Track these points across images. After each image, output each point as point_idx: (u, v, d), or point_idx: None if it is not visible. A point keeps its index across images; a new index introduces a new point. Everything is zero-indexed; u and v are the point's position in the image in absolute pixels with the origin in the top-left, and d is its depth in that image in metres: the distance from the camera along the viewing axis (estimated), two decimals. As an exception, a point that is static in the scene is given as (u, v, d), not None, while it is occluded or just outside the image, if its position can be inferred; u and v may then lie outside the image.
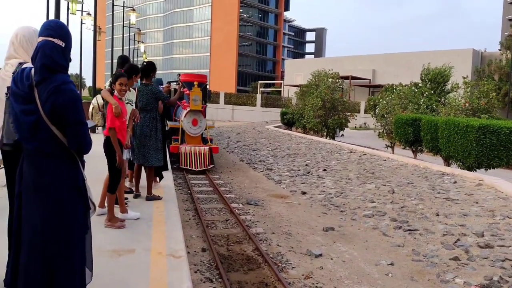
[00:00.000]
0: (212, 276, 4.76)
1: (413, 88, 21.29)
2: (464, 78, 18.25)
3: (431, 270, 5.06)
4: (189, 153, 11.17)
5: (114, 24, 19.06)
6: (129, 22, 20.40)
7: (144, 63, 6.23)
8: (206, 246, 5.78)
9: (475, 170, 11.42)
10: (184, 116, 11.59)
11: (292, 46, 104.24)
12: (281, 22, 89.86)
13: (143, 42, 29.34)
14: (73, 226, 2.03)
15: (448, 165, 12.82)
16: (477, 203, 7.47)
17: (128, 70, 5.03)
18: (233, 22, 78.55)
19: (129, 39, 30.51)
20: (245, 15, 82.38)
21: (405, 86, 21.89)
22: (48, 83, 1.97)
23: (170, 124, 12.41)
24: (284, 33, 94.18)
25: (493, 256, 5.09)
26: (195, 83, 11.36)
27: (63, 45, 2.06)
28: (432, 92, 22.47)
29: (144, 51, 32.19)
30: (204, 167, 11.19)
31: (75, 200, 2.06)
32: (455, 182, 9.31)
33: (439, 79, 24.94)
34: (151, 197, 5.59)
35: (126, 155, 4.77)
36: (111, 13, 20.33)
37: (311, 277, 4.84)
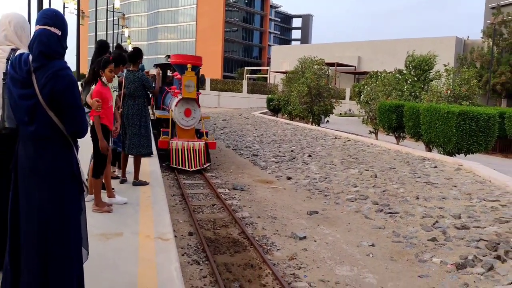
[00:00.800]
0: (199, 259, 4.89)
1: (397, 75, 21.55)
2: (445, 65, 18.54)
3: (410, 250, 5.28)
4: (181, 150, 9.51)
5: (98, 8, 18.67)
6: (113, 6, 19.99)
7: (131, 49, 6.17)
8: (193, 230, 5.89)
9: (455, 155, 11.75)
10: (175, 105, 9.80)
11: (279, 32, 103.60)
12: (267, 8, 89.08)
13: (127, 27, 28.80)
14: (69, 209, 2.11)
15: (430, 150, 13.13)
16: (455, 186, 7.74)
17: (116, 58, 5.00)
18: (219, 7, 77.56)
19: (113, 24, 29.89)
20: (231, 0, 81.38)
21: (389, 73, 22.15)
22: (46, 69, 2.03)
23: (157, 114, 11.10)
24: (270, 19, 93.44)
25: (468, 237, 5.33)
26: (188, 65, 9.57)
27: (59, 33, 2.12)
28: (416, 79, 22.78)
29: (129, 36, 31.62)
30: (199, 166, 9.56)
31: (70, 184, 2.13)
32: (435, 167, 9.58)
33: (423, 67, 25.22)
34: (137, 182, 5.63)
35: (110, 142, 4.79)
36: (94, -4, 19.87)
37: (295, 258, 5.01)
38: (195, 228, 5.91)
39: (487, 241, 5.08)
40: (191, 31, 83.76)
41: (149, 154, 6.41)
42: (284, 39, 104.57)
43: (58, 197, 2.07)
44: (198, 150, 9.71)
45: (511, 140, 16.88)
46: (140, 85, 5.79)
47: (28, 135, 2.08)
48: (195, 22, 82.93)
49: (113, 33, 31.01)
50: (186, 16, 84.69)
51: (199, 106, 10.15)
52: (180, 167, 9.39)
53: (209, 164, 10.01)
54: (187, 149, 9.60)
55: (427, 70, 24.91)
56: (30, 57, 2.07)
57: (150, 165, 7.13)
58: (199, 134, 10.45)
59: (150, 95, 9.40)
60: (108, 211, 4.35)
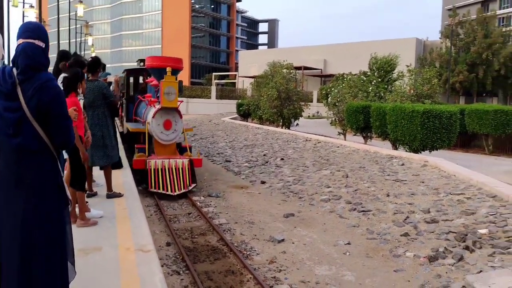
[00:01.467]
0: (179, 269, 4.87)
1: (362, 77, 22.19)
2: (408, 66, 19.27)
3: (384, 246, 5.47)
4: (161, 170, 8.05)
5: (60, 16, 18.16)
6: (75, 14, 19.52)
7: (90, 58, 6.08)
8: (171, 240, 5.85)
9: (420, 152, 12.22)
10: (153, 117, 8.25)
11: (246, 37, 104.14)
12: (233, 13, 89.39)
13: (90, 35, 28.13)
14: (56, 221, 2.09)
15: (396, 148, 13.60)
16: (423, 182, 8.07)
17: (90, 65, 4.95)
18: (184, 13, 77.07)
19: (76, 32, 29.02)
20: (197, 6, 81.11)
21: (354, 75, 22.75)
22: (33, 81, 2.05)
23: (130, 127, 9.59)
24: (237, 24, 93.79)
25: (438, 230, 5.58)
26: (168, 69, 8.12)
27: (43, 46, 2.15)
28: (380, 80, 23.52)
29: (92, 44, 30.88)
30: (184, 188, 8.10)
31: (57, 195, 2.13)
32: (402, 164, 9.95)
33: (386, 68, 26.08)
34: (111, 194, 5.53)
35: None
36: (56, 3, 19.31)
37: (275, 262, 5.07)
38: (173, 238, 5.87)
39: (455, 233, 5.35)
40: (157, 38, 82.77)
41: (118, 166, 6.30)
42: (251, 44, 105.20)
43: (44, 209, 2.05)
44: (182, 169, 8.24)
45: (471, 135, 17.73)
46: (99, 94, 5.67)
47: (12, 147, 2.06)
48: (160, 28, 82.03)
49: (76, 41, 30.20)
50: (151, 23, 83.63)
51: (181, 117, 8.66)
52: (161, 191, 7.89)
53: (195, 185, 8.55)
54: (168, 169, 8.12)
55: (389, 71, 25.77)
56: (14, 70, 2.08)
57: (123, 176, 7.03)
58: (180, 149, 9.09)
59: (118, 105, 9.15)
60: (94, 223, 4.31)
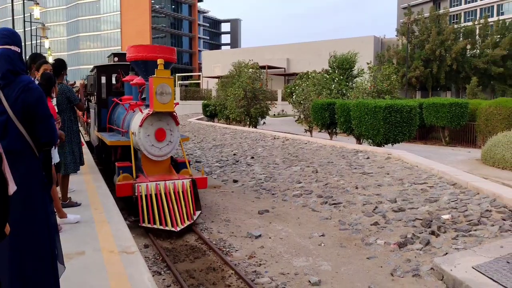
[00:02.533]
0: (159, 269, 4.90)
1: (325, 75, 22.78)
2: (368, 63, 20.00)
3: (356, 236, 5.75)
4: (155, 196, 6.06)
5: (14, 17, 17.40)
6: (30, 16, 18.77)
7: (54, 61, 5.95)
8: (148, 242, 5.85)
9: (384, 146, 12.77)
10: (140, 125, 6.33)
11: (208, 37, 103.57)
12: (195, 13, 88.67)
13: (47, 38, 27.06)
14: (43, 220, 2.14)
15: (360, 143, 14.12)
16: (388, 174, 8.49)
17: (57, 67, 4.90)
18: (144, 14, 75.64)
19: (31, 35, 27.80)
20: (157, 6, 79.79)
21: (318, 73, 23.31)
22: (15, 84, 2.13)
23: (107, 139, 7.31)
24: (199, 24, 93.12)
25: (405, 218, 5.94)
26: (159, 61, 6.21)
27: (19, 51, 2.22)
28: (341, 77, 24.25)
29: (49, 48, 29.72)
30: (188, 219, 6.12)
31: (42, 194, 2.19)
32: (368, 158, 10.38)
33: (345, 65, 26.90)
34: (66, 204, 5.26)
35: (55, 158, 4.66)
36: (8, 4, 18.48)
37: (254, 256, 5.22)
38: (151, 240, 5.88)
39: (421, 219, 5.71)
40: (116, 39, 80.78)
41: (75, 170, 6.05)
42: (214, 44, 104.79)
43: (32, 208, 2.10)
44: (183, 192, 6.28)
45: (428, 128, 18.65)
46: (64, 98, 5.58)
47: None
48: (119, 30, 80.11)
49: (31, 44, 28.94)
50: (110, 24, 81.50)
51: (178, 124, 6.72)
52: (158, 226, 5.88)
53: (200, 212, 6.52)
54: (165, 194, 6.12)
55: (349, 68, 26.64)
56: None
57: (95, 181, 6.95)
58: (175, 164, 7.07)
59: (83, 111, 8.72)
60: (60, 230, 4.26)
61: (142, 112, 6.58)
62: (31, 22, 20.99)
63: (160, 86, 6.14)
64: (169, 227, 5.90)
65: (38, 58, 5.22)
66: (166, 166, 6.76)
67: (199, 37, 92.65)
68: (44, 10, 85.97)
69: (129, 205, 6.51)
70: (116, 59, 9.72)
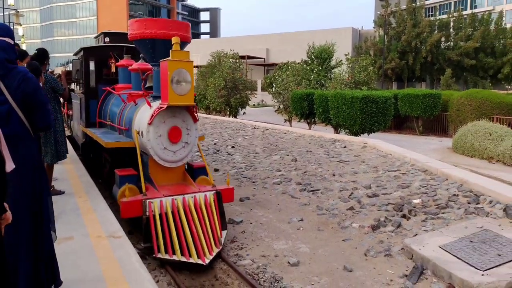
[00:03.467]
0: (145, 254, 5.05)
1: (304, 65, 23.05)
2: (346, 55, 20.37)
3: (333, 220, 6.05)
4: (172, 215, 4.67)
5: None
6: (2, 1, 18.17)
7: (36, 50, 5.91)
8: (132, 230, 5.98)
9: (360, 135, 13.17)
10: (149, 123, 4.95)
11: (187, 14, 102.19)
12: (173, 1, 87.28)
13: (21, 25, 26.22)
14: (42, 197, 2.35)
15: (338, 132, 14.50)
16: (363, 162, 8.83)
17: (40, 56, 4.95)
18: (121, 1, 73.92)
19: (4, 21, 26.84)
20: (133, -7, 78.11)
21: (298, 63, 23.55)
22: (14, 75, 2.29)
23: (104, 140, 5.69)
24: (177, 13, 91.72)
25: (379, 203, 6.26)
26: (174, 39, 4.77)
27: (12, 43, 2.38)
28: (320, 68, 24.58)
29: (23, 35, 28.83)
30: (216, 245, 4.81)
31: (40, 175, 2.42)
32: (345, 147, 10.71)
33: (324, 56, 27.26)
34: (51, 193, 5.38)
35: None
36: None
37: (236, 241, 5.43)
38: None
39: (394, 204, 6.05)
40: (92, 27, 78.78)
41: (60, 159, 6.05)
42: (193, 33, 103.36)
43: (31, 186, 2.32)
44: (206, 208, 4.91)
45: (403, 118, 19.24)
46: (49, 87, 5.56)
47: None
48: (95, 17, 78.12)
49: (3, 31, 27.85)
50: (85, 11, 79.34)
51: (196, 120, 5.28)
52: (180, 258, 4.43)
53: (225, 232, 5.25)
54: (184, 212, 4.70)
55: (327, 58, 27.01)
56: None
57: (77, 170, 7.00)
58: (190, 170, 5.67)
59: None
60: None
61: (150, 105, 5.13)
62: (3, 8, 20.31)
63: (177, 72, 4.65)
64: (195, 259, 4.40)
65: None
66: (180, 173, 5.30)
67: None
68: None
69: (135, 225, 5.14)
70: (107, 39, 8.13)
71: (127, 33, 5.86)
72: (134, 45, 6.18)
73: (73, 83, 11.75)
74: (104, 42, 8.12)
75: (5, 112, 2.26)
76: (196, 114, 5.27)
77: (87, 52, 7.65)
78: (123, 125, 6.01)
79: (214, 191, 5.11)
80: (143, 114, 5.24)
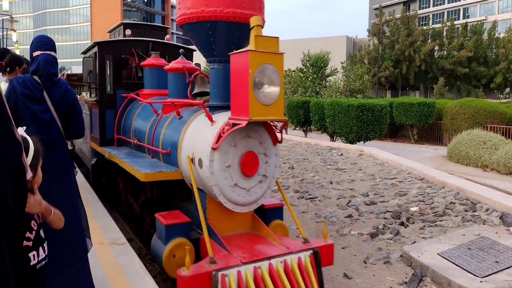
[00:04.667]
0: (144, 261, 5.05)
1: (299, 73, 23.23)
2: (342, 63, 20.58)
3: (332, 227, 6.08)
4: None
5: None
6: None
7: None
8: (131, 237, 5.97)
9: (356, 143, 13.28)
10: (214, 147, 3.23)
11: (182, 33, 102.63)
12: (168, 8, 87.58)
13: (15, 30, 26.15)
14: (75, 200, 2.42)
15: (334, 140, 14.60)
16: (360, 170, 8.90)
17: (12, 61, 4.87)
18: (116, 7, 74.09)
19: (-2, 27, 26.82)
20: (129, 0, 78.32)
21: (293, 71, 23.72)
22: (58, 86, 2.50)
23: (140, 171, 3.90)
24: (172, 20, 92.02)
25: (377, 210, 6.32)
26: (255, 22, 2.99)
27: (56, 56, 2.58)
28: (315, 76, 24.79)
29: (17, 41, 28.75)
30: None
31: (73, 178, 2.56)
32: (341, 155, 10.79)
33: (320, 64, 27.50)
34: None
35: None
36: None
37: (236, 248, 5.45)
38: (133, 235, 6.00)
39: (391, 212, 6.11)
40: (86, 33, 78.79)
41: None
42: (188, 40, 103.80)
43: (66, 189, 2.42)
44: (302, 276, 3.10)
45: (398, 126, 19.41)
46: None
47: (45, 142, 2.32)
48: (89, 23, 78.15)
49: (-3, 37, 27.87)
50: (79, 17, 79.38)
51: (278, 142, 3.60)
52: None
53: None
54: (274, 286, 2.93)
55: (323, 66, 27.25)
56: (36, 78, 2.44)
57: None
58: (261, 213, 3.87)
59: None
60: None
61: (212, 120, 3.44)
62: (-2, 14, 20.24)
63: (262, 69, 2.98)
64: None
65: (6, 53, 5.14)
66: (249, 217, 3.66)
67: (172, 33, 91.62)
68: (10, 0, 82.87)
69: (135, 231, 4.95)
70: (128, 32, 6.51)
71: (153, 25, 5.34)
72: (163, 40, 5.79)
73: (79, 87, 10.98)
74: (124, 36, 6.48)
75: (48, 121, 2.44)
76: (279, 133, 3.51)
77: (103, 48, 5.98)
78: (159, 146, 4.36)
79: (311, 251, 3.26)
80: (200, 133, 3.53)
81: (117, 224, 4.66)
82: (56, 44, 2.68)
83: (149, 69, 5.64)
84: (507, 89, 41.46)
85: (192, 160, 3.54)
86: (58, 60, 2.55)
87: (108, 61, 5.98)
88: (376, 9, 53.67)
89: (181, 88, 4.52)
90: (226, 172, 3.30)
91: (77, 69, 10.89)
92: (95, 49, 6.06)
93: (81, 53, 7.05)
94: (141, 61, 5.91)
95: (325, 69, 27.21)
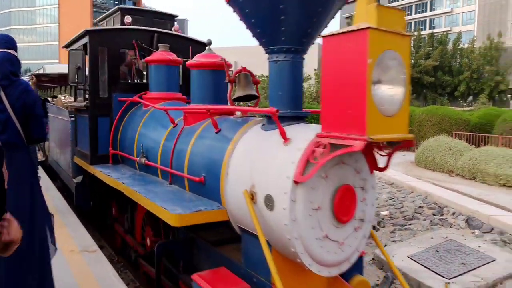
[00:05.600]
0: (116, 268, 4.93)
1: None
2: (315, 70, 20.94)
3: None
4: None
5: None
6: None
7: None
8: (102, 244, 5.82)
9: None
10: (298, 181, 2.15)
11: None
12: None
13: (-22, 30, 25.05)
14: (38, 206, 2.31)
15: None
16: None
17: None
18: (85, 8, 72.42)
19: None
20: (99, 1, 76.76)
21: (266, 77, 23.92)
22: (16, 86, 2.37)
23: (171, 212, 2.70)
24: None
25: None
26: None
27: (16, 55, 2.47)
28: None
29: (-20, 40, 27.52)
30: None
31: (36, 182, 2.45)
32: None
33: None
34: None
35: None
36: None
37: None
38: (104, 241, 5.85)
39: (363, 216, 6.25)
40: (53, 34, 76.57)
41: None
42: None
43: (29, 194, 2.26)
44: None
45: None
46: None
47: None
48: (57, 24, 75.99)
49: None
50: (46, 17, 77.08)
51: (376, 169, 2.54)
52: None
53: None
54: None
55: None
56: None
57: (43, 183, 6.75)
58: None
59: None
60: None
61: (286, 138, 2.38)
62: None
63: (383, 60, 1.94)
64: None
65: None
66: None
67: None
68: (-28, -1, 79.45)
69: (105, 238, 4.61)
70: (127, 19, 5.13)
71: (158, 12, 4.47)
72: (170, 31, 4.75)
73: (52, 89, 10.03)
74: (122, 24, 5.16)
75: (3, 120, 2.34)
76: (375, 156, 2.51)
77: (96, 38, 4.71)
78: (183, 170, 3.22)
79: None
80: (265, 155, 2.46)
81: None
82: (21, 44, 2.61)
83: (157, 66, 4.48)
84: (470, 97, 43.41)
85: (252, 196, 2.42)
86: (24, 62, 2.51)
87: (102, 55, 4.73)
88: (347, 17, 55.03)
89: (211, 90, 3.45)
90: (313, 217, 2.21)
91: (51, 69, 9.41)
92: (86, 39, 4.78)
93: (63, 47, 5.86)
94: (144, 56, 4.80)
95: (298, 75, 27.61)
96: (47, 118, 2.67)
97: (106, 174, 4.02)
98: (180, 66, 4.70)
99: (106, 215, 5.15)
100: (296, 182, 2.14)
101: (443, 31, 52.86)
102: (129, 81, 5.36)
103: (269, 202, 2.28)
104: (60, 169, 6.40)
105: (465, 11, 60.73)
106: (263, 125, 2.68)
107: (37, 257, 2.34)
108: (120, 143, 4.58)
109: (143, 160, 3.84)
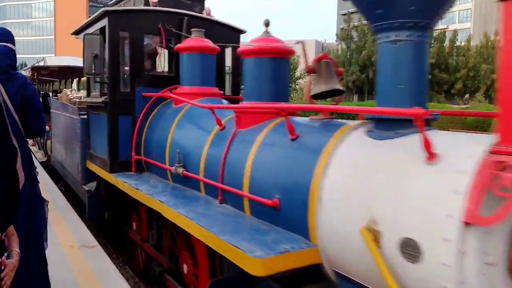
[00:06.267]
0: (116, 264, 4.92)
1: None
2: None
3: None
4: None
5: None
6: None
7: None
8: (101, 240, 5.81)
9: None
10: (471, 222, 1.44)
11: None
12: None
13: (-27, 23, 24.81)
14: (36, 200, 2.30)
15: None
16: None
17: None
18: (81, 3, 71.93)
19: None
20: (95, -4, 76.24)
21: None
22: (15, 80, 2.36)
23: (262, 257, 1.91)
24: None
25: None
26: None
27: (14, 49, 2.44)
28: (286, 78, 25.08)
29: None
30: None
31: (32, 172, 2.42)
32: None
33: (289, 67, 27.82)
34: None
35: None
36: None
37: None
38: (102, 237, 5.84)
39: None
40: (49, 28, 75.99)
41: None
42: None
43: (29, 186, 2.29)
44: None
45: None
46: None
47: None
48: (53, 18, 75.41)
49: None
50: (42, 11, 76.46)
51: None
52: None
53: None
54: None
55: (292, 69, 27.62)
56: None
57: (40, 177, 6.72)
58: None
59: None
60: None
61: (431, 154, 1.65)
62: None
63: None
64: None
65: None
66: None
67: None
68: (-33, -8, 78.55)
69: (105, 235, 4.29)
70: (153, 1, 4.32)
71: None
72: (202, 15, 3.98)
73: (51, 83, 9.92)
74: (146, 4, 4.42)
75: None
76: None
77: (116, 21, 4.01)
78: (241, 187, 2.59)
79: None
80: (393, 179, 1.79)
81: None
82: (17, 39, 2.61)
83: (190, 54, 3.74)
84: (467, 95, 43.60)
85: (375, 238, 1.72)
86: (19, 56, 2.50)
87: (124, 41, 4.02)
88: (344, 14, 55.01)
89: (273, 84, 2.77)
90: (486, 278, 1.51)
91: (53, 61, 8.02)
92: (104, 21, 4.03)
93: (73, 33, 5.11)
94: (173, 43, 4.08)
95: (295, 72, 27.59)
96: (49, 114, 2.86)
97: (134, 187, 3.33)
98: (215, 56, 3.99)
99: (122, 228, 4.51)
100: (467, 224, 1.44)
101: (440, 29, 53.01)
102: (155, 73, 4.55)
103: (411, 249, 1.58)
104: (65, 172, 5.74)
105: (461, 9, 60.88)
106: (369, 131, 1.95)
107: (33, 255, 2.33)
108: (144, 147, 3.90)
109: (180, 170, 3.12)
